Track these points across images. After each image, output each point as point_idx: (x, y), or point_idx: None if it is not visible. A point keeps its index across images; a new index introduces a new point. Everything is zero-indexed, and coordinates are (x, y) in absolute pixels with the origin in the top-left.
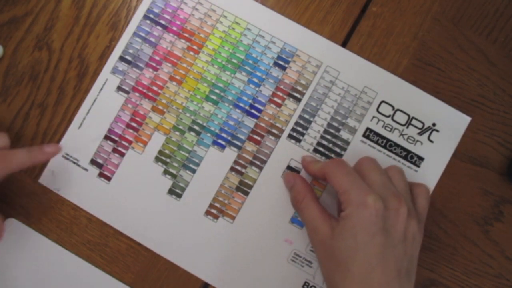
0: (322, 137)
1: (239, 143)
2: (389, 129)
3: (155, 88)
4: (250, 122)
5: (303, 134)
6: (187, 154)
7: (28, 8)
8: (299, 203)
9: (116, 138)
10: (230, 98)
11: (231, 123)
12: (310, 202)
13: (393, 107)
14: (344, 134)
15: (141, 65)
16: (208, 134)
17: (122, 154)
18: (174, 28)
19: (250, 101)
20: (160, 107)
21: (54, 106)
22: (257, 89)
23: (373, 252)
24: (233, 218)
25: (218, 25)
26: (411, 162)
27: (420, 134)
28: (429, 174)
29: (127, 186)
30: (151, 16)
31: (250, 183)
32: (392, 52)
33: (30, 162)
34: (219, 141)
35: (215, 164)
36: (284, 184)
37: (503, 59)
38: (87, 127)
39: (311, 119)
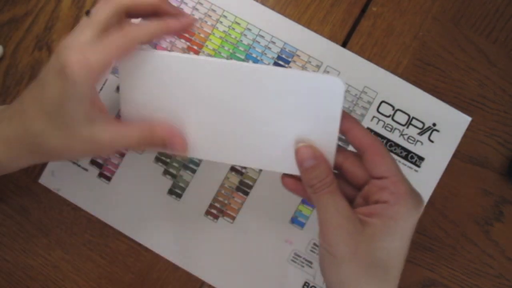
0: None
1: None
2: (389, 129)
3: None
4: None
5: None
6: None
7: (28, 8)
8: (323, 189)
9: None
10: None
11: None
12: (337, 190)
13: (393, 107)
14: None
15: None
16: None
17: (122, 154)
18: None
19: None
20: None
21: None
22: None
23: (405, 257)
24: (233, 218)
25: (218, 25)
26: (411, 162)
27: (420, 134)
28: (429, 174)
29: (127, 186)
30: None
31: (250, 183)
32: (392, 52)
33: (161, 32)
34: None
35: (215, 164)
36: (298, 160)
37: (503, 59)
38: None
39: None
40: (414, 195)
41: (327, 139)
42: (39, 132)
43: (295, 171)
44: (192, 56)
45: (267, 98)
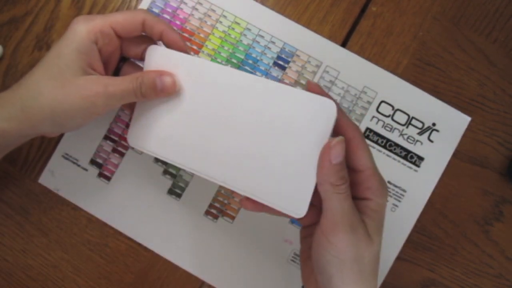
0: None
1: None
2: (389, 129)
3: None
4: None
5: None
6: None
7: (28, 8)
8: (346, 191)
9: (116, 138)
10: None
11: None
12: (350, 191)
13: (393, 107)
14: None
15: (141, 64)
16: None
17: (122, 154)
18: (174, 28)
19: None
20: None
21: None
22: None
23: None
24: (233, 218)
25: (218, 25)
26: (411, 162)
27: (420, 134)
28: (429, 174)
29: (127, 186)
30: None
31: None
32: (392, 52)
33: (161, 28)
34: None
35: None
36: (330, 154)
37: (503, 59)
38: (87, 127)
39: None
40: (383, 182)
41: (310, 154)
42: (34, 82)
43: (268, 200)
44: (202, 59)
45: (254, 110)
